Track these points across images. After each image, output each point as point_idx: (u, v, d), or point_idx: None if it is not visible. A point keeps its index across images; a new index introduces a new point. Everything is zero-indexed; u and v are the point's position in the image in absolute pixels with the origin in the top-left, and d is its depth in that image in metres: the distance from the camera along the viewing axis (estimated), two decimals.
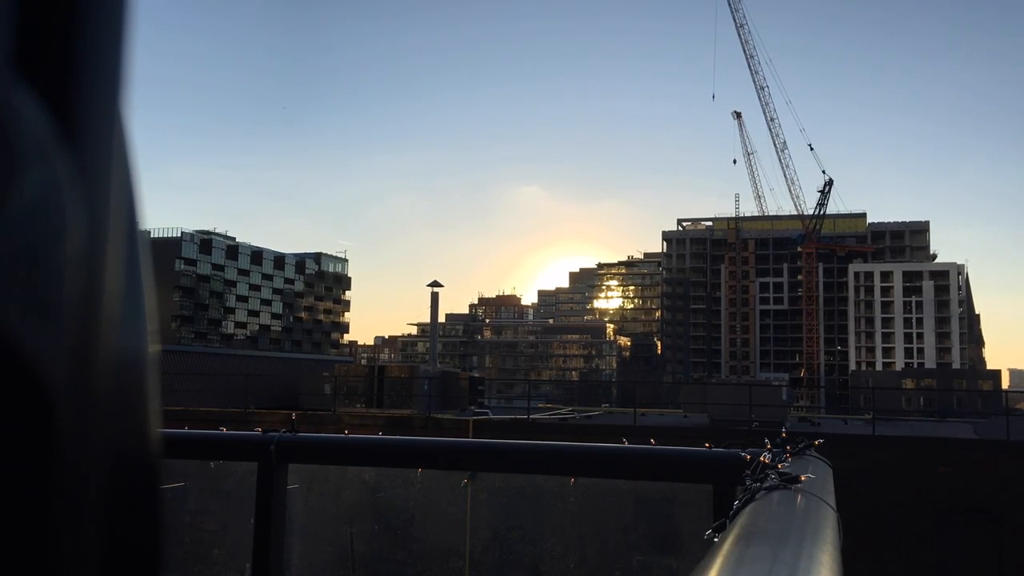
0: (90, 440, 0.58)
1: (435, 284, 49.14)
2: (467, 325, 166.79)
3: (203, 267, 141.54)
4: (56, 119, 0.57)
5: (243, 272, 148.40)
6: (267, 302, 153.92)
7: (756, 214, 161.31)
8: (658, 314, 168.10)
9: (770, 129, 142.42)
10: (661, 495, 4.08)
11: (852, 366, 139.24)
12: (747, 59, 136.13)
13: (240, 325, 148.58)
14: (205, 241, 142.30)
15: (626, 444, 3.98)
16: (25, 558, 0.53)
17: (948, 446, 23.96)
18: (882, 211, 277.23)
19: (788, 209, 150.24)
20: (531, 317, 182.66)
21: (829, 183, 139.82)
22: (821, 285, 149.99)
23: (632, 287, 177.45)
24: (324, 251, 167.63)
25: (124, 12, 0.64)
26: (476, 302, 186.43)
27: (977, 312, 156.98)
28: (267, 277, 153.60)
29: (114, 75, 0.63)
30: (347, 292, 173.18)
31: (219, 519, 4.66)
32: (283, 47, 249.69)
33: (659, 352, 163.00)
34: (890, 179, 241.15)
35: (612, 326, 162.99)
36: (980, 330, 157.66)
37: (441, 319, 71.04)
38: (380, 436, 4.55)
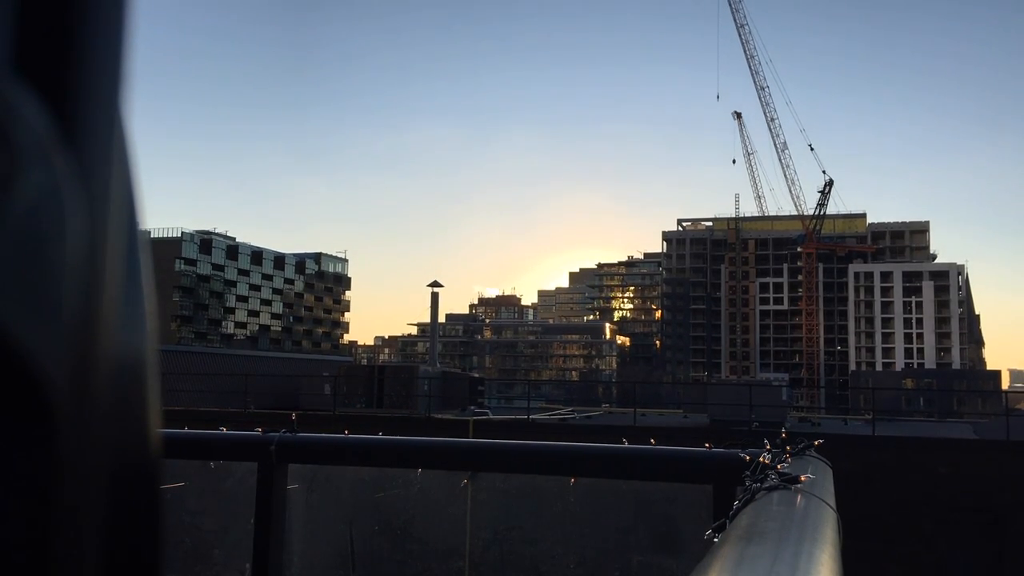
0: (90, 440, 0.58)
1: (435, 284, 49.17)
2: (467, 325, 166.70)
3: (203, 267, 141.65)
4: (56, 119, 0.57)
5: (243, 272, 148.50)
6: (267, 302, 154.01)
7: (756, 214, 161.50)
8: (658, 314, 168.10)
9: (770, 129, 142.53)
10: (661, 495, 4.08)
11: (852, 366, 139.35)
12: (747, 59, 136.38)
13: (240, 325, 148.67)
14: (205, 241, 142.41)
15: (626, 444, 3.98)
16: (25, 558, 0.53)
17: (948, 446, 23.98)
18: (882, 211, 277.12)
19: (788, 209, 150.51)
20: (531, 317, 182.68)
21: (829, 183, 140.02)
22: (821, 285, 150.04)
23: (632, 287, 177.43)
24: (324, 251, 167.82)
25: (124, 12, 0.64)
26: (476, 302, 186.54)
27: (977, 312, 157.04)
28: (267, 277, 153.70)
29: (114, 75, 0.63)
30: (347, 292, 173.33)
31: (219, 519, 4.65)
32: (283, 47, 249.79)
33: (659, 352, 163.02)
34: (890, 179, 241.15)
35: (612, 326, 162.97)
36: (980, 330, 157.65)
37: (441, 319, 71.07)
38: (380, 436, 4.55)
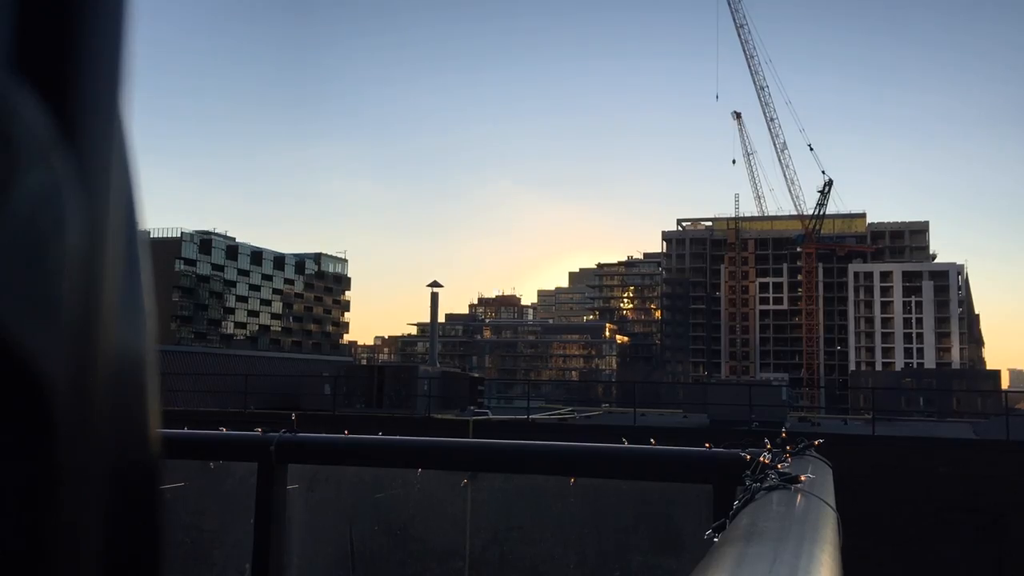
0: (90, 440, 0.58)
1: (435, 284, 49.17)
2: (467, 325, 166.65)
3: (203, 267, 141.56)
4: (56, 119, 0.57)
5: (243, 272, 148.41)
6: (267, 302, 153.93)
7: (756, 214, 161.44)
8: (658, 314, 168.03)
9: (770, 129, 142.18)
10: (661, 495, 4.07)
11: (852, 366, 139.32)
12: (747, 59, 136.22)
13: (240, 325, 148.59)
14: (205, 241, 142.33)
15: (626, 444, 3.98)
16: (25, 558, 0.53)
17: (948, 446, 23.99)
18: (882, 211, 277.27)
19: (788, 209, 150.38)
20: (531, 317, 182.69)
21: (829, 183, 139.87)
22: (821, 285, 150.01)
23: (632, 287, 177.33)
24: (324, 251, 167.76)
25: (124, 12, 0.63)
26: (476, 302, 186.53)
27: (977, 312, 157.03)
28: (267, 277, 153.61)
29: (114, 75, 0.63)
30: (347, 292, 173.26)
31: (219, 519, 4.65)
32: (283, 47, 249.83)
33: (659, 352, 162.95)
34: (890, 179, 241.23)
35: (612, 326, 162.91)
36: (980, 330, 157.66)
37: (441, 319, 71.04)
38: (380, 436, 4.54)
